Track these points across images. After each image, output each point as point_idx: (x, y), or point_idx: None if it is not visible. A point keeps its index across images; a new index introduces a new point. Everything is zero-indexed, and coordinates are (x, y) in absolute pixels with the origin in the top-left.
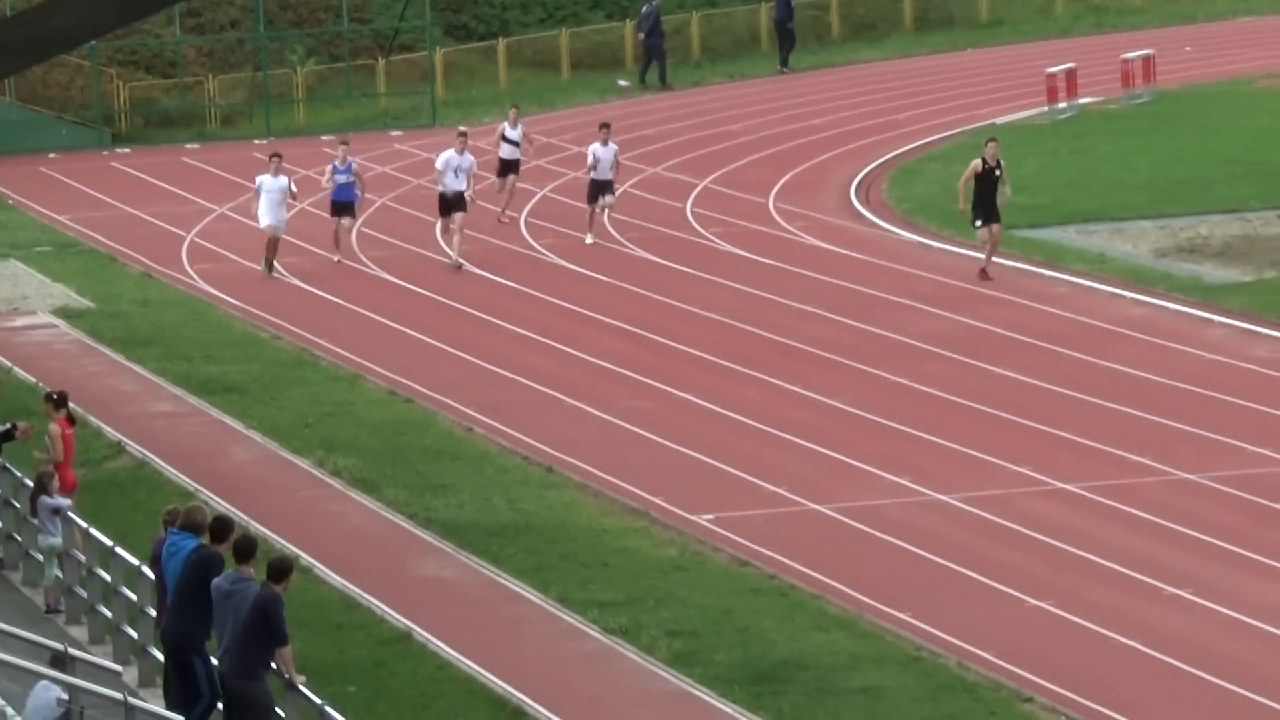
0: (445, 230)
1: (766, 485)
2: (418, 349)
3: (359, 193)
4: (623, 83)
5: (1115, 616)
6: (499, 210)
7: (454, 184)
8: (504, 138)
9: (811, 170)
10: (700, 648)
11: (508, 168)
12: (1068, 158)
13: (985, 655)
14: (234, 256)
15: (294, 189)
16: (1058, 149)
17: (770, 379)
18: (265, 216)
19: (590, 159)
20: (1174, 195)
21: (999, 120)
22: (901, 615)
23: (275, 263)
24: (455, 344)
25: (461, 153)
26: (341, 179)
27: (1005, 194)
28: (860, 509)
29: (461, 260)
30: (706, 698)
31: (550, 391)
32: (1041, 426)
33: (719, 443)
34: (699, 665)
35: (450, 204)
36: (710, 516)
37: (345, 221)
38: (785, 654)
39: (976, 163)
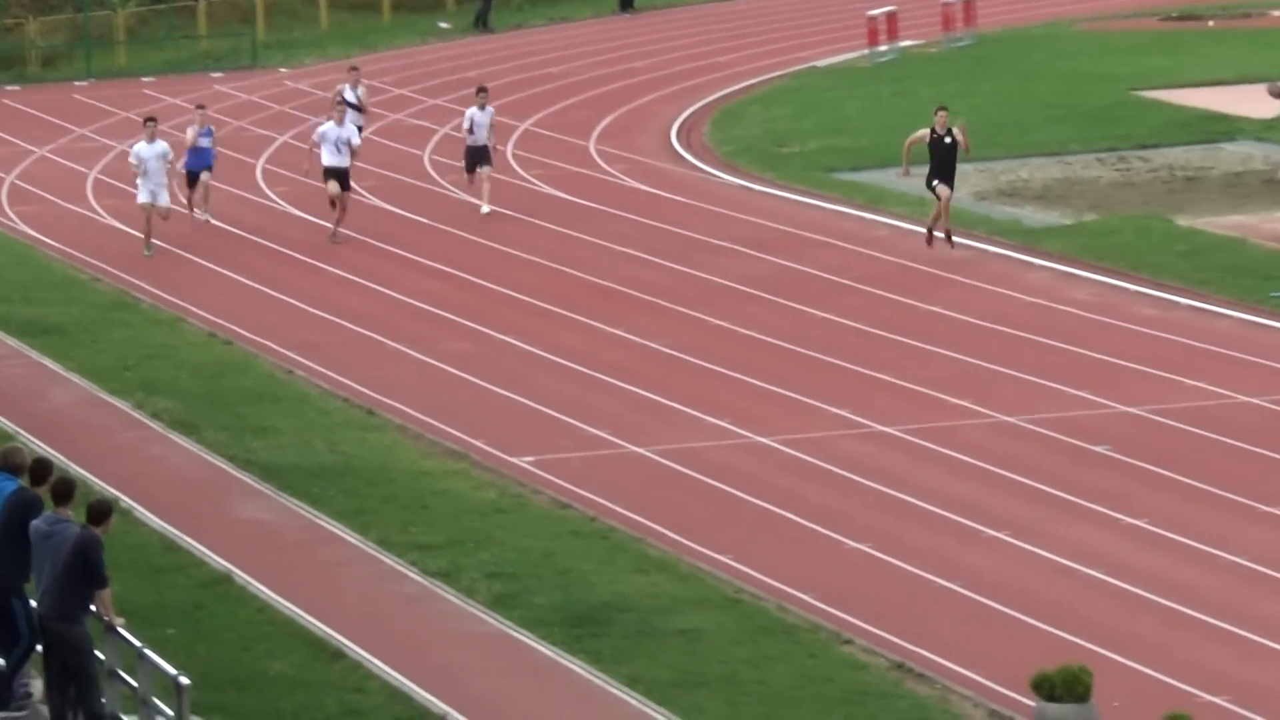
0: (331, 204)
1: (586, 428)
2: (238, 292)
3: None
4: (444, 25)
5: (934, 559)
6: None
7: (335, 159)
8: (343, 99)
9: (633, 113)
10: (520, 590)
11: None
12: (889, 100)
13: (804, 598)
14: (54, 199)
15: (170, 157)
16: (879, 92)
17: (590, 321)
18: (143, 191)
19: (467, 123)
20: (994, 138)
21: (820, 63)
22: (721, 558)
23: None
24: (275, 287)
25: (341, 124)
26: (205, 143)
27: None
28: (680, 451)
29: (341, 231)
30: (526, 640)
31: (370, 334)
32: (861, 369)
33: (539, 385)
34: (519, 608)
35: (333, 177)
36: (530, 459)
37: (204, 176)
38: (605, 596)
39: (923, 132)
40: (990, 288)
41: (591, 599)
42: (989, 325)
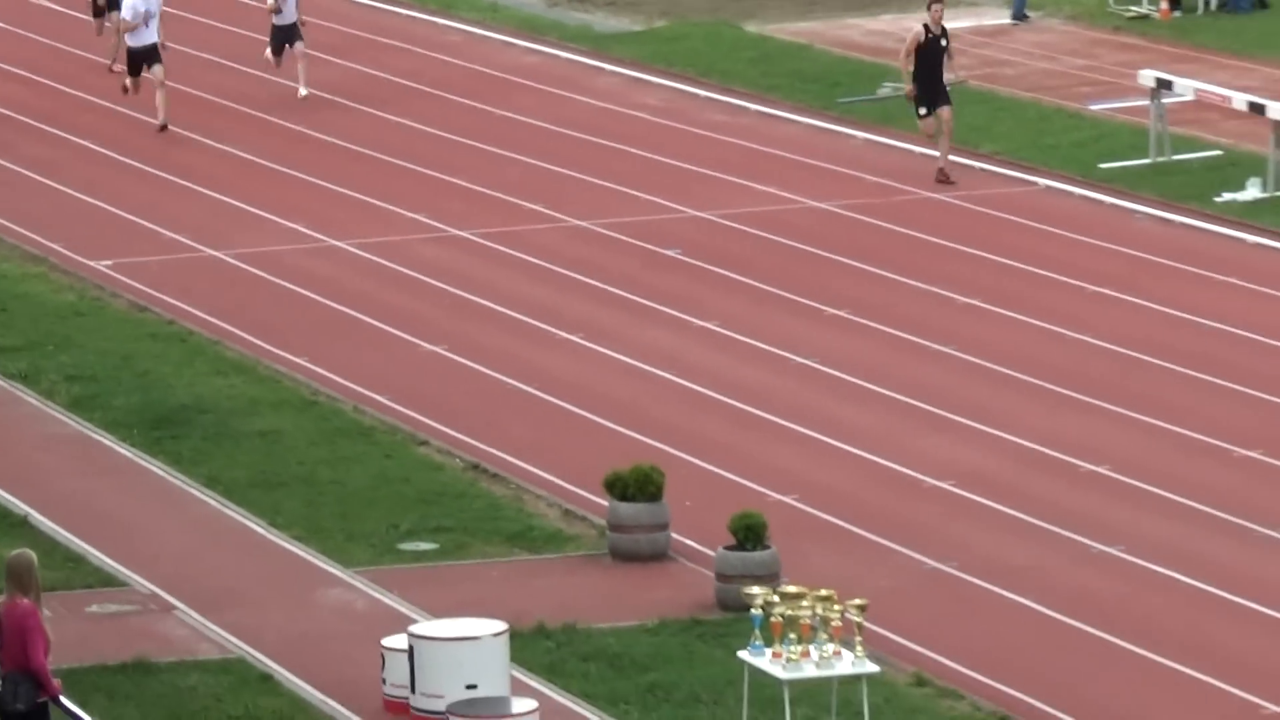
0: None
1: (165, 231)
2: None
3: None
4: None
5: (508, 361)
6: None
7: (148, 36)
8: None
9: None
10: (99, 392)
11: None
12: None
13: (381, 399)
14: None
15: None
16: None
17: (172, 127)
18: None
19: (272, 2)
20: None
21: None
22: (298, 360)
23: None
24: None
25: None
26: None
27: (952, 68)
28: (257, 255)
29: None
30: (106, 441)
31: None
32: (435, 173)
33: (117, 189)
34: (98, 409)
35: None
36: (109, 263)
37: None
38: (184, 398)
39: (918, 30)
40: (561, 93)
41: (170, 401)
42: (560, 130)
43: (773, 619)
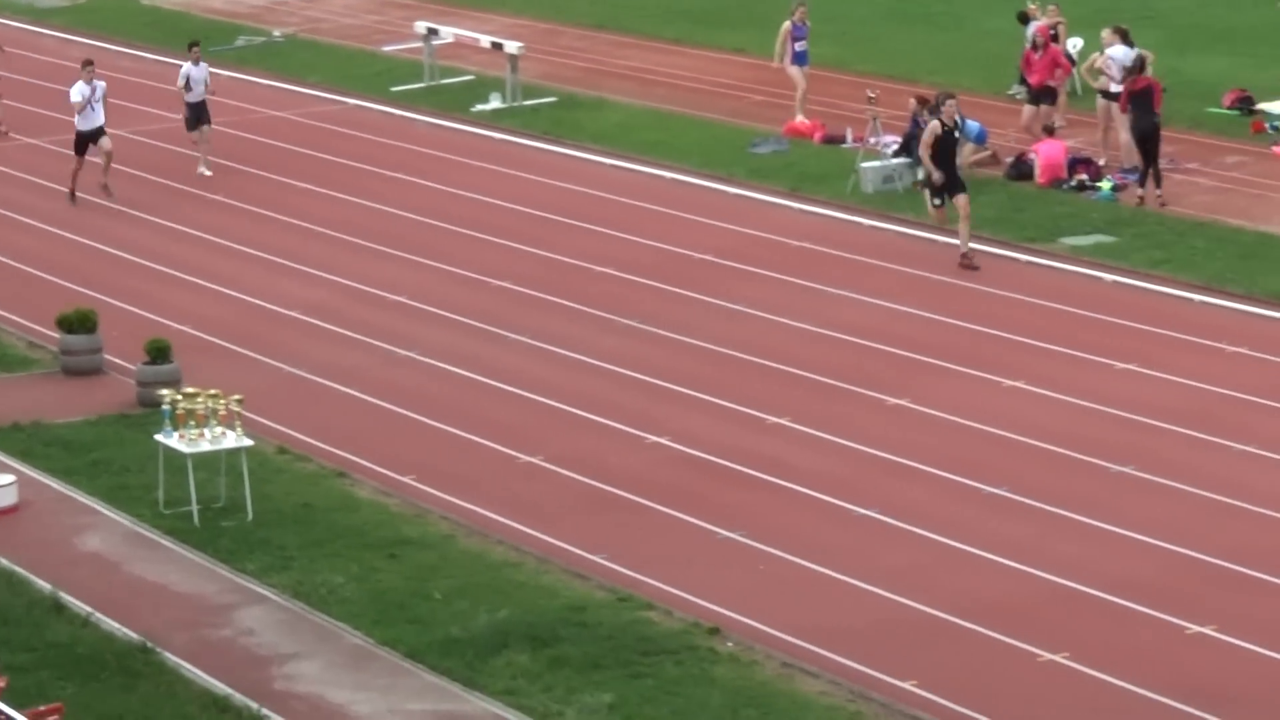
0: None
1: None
2: None
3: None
4: None
5: None
6: None
7: (95, 119)
8: None
9: None
10: None
11: None
12: None
13: None
14: None
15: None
16: None
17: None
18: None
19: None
20: None
21: None
22: None
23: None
24: None
25: (90, 82)
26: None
27: (965, 154)
28: None
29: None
30: None
31: None
32: None
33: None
34: None
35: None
36: None
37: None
38: None
39: (935, 125)
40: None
41: None
42: None
43: (178, 411)
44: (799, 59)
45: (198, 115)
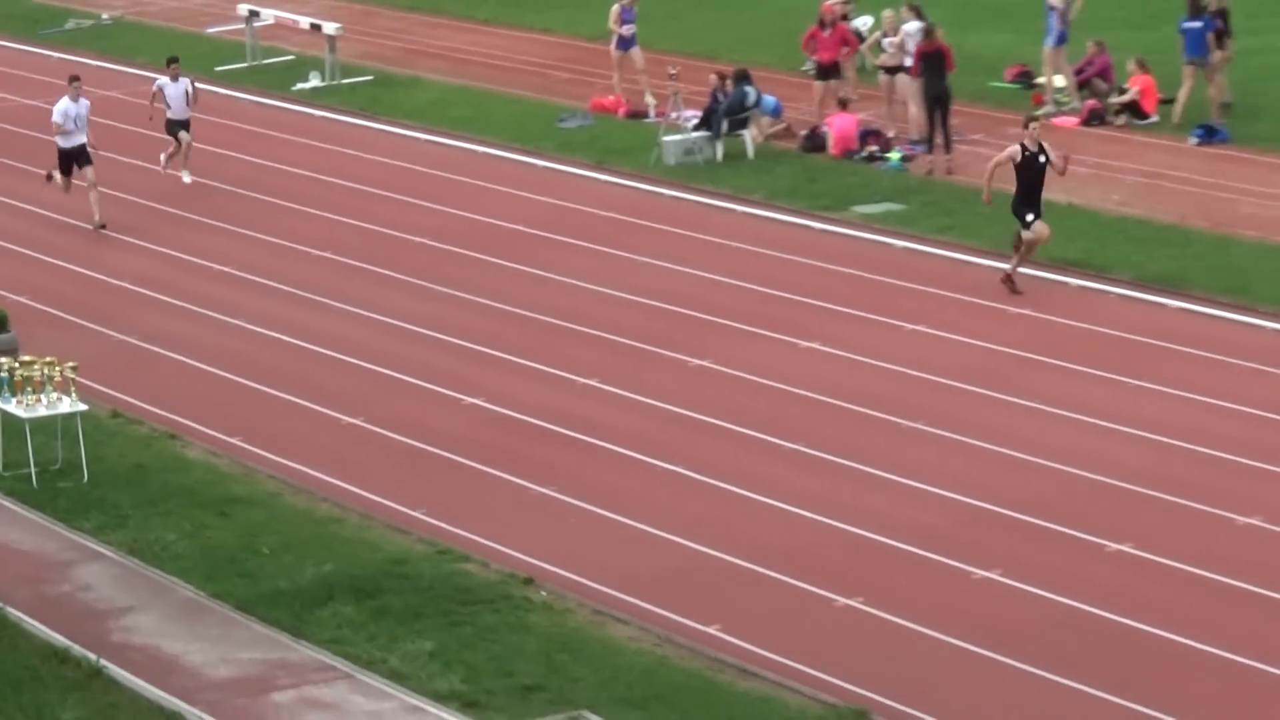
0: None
1: None
2: None
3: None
4: None
5: None
6: None
7: (77, 138)
8: None
9: None
10: None
11: None
12: None
13: None
14: None
15: None
16: None
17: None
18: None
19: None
20: None
21: None
22: None
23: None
24: None
25: (76, 99)
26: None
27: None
28: None
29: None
30: None
31: None
32: None
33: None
34: None
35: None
36: None
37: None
38: None
39: (1014, 149)
40: None
41: None
42: None
43: (16, 378)
44: (624, 44)
45: (174, 129)
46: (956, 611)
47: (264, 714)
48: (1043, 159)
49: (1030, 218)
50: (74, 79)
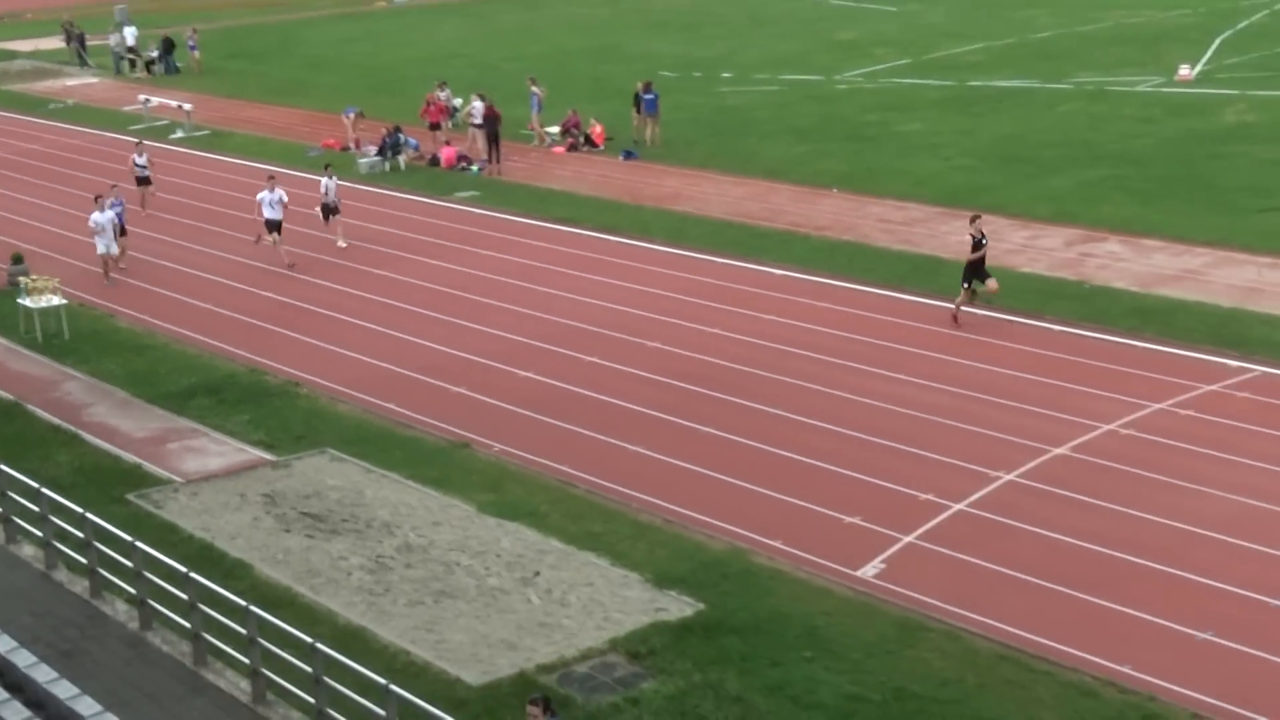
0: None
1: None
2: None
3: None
4: None
5: None
6: None
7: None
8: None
9: None
10: None
11: None
12: None
13: None
14: None
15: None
16: None
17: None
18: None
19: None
20: None
21: None
22: None
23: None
24: None
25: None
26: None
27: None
28: None
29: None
30: None
31: None
32: None
33: None
34: None
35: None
36: None
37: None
38: None
39: (969, 238)
40: None
41: None
42: None
43: (29, 287)
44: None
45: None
46: (508, 392)
47: (164, 456)
48: (984, 242)
49: (967, 284)
50: (270, 177)
